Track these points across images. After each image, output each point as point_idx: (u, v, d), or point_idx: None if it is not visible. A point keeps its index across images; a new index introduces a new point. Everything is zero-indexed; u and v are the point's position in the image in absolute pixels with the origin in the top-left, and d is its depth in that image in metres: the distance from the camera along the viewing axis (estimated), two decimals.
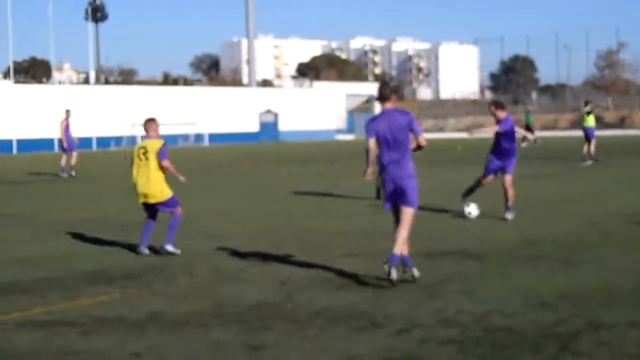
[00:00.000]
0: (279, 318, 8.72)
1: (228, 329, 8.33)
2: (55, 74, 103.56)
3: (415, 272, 10.31)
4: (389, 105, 10.48)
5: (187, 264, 12.03)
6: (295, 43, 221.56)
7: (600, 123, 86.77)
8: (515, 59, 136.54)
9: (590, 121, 33.84)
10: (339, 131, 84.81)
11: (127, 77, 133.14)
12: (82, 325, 8.57)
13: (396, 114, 10.41)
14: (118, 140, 67.22)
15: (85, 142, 65.15)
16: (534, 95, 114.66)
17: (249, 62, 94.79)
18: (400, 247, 10.16)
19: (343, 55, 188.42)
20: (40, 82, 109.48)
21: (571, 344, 7.49)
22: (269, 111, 78.84)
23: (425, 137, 10.85)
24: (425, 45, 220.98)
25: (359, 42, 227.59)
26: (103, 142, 67.10)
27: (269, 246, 13.55)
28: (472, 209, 16.41)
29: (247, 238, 14.54)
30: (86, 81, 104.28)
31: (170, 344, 7.80)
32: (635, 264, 11.42)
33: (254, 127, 77.46)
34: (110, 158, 49.78)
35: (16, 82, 78.89)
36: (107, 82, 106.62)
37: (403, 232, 10.26)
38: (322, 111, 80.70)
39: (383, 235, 13.00)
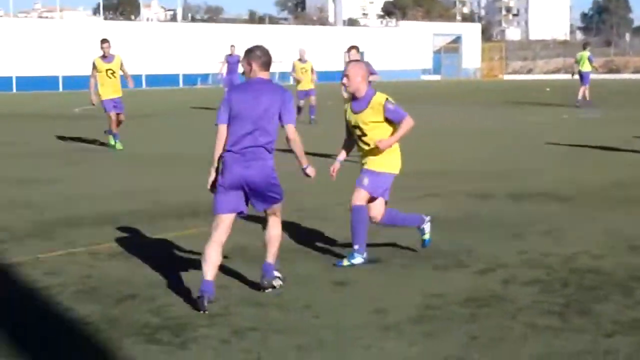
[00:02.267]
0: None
1: (313, 264, 8.41)
2: (144, 11, 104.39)
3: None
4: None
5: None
6: None
7: None
8: None
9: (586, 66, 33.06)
10: (425, 71, 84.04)
11: (213, 14, 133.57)
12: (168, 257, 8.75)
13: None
14: (204, 77, 67.51)
15: (172, 78, 65.83)
16: (627, 36, 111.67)
17: (335, 0, 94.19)
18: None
19: None
20: (128, 19, 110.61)
21: None
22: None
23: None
24: None
25: None
26: (189, 79, 67.54)
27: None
28: None
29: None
30: (173, 18, 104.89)
31: (255, 275, 7.90)
32: None
33: (339, 66, 77.16)
34: (197, 95, 50.06)
35: (105, 18, 79.89)
36: (193, 19, 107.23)
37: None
38: (408, 51, 79.91)
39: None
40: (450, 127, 25.19)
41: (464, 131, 23.57)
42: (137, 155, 18.41)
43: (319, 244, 9.26)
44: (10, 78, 55.14)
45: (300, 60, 27.24)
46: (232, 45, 33.88)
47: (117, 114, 19.24)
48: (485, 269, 8.13)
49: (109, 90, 19.03)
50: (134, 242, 9.48)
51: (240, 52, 9.88)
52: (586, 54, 33.02)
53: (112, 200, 12.38)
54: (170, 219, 10.91)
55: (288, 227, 9.96)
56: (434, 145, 19.47)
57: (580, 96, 32.58)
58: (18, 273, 8.20)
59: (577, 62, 33.34)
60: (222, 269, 7.84)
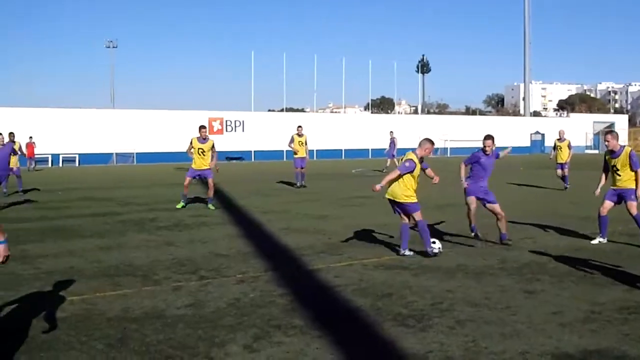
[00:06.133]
0: (544, 273, 8.37)
1: (510, 278, 8.14)
2: (397, 107, 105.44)
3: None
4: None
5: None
6: (557, 86, 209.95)
7: None
8: None
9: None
10: (588, 147, 79.34)
11: (441, 109, 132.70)
12: (414, 269, 8.75)
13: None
14: (435, 151, 66.96)
15: (402, 152, 65.93)
16: None
17: (524, 99, 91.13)
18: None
19: (592, 95, 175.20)
20: (386, 112, 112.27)
21: None
22: (537, 132, 75.44)
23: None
24: None
25: (603, 85, 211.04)
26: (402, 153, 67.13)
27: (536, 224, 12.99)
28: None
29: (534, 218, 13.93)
30: (415, 112, 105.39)
31: (471, 285, 7.76)
32: None
33: (526, 143, 74.41)
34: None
35: (372, 112, 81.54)
36: (428, 112, 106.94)
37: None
38: (577, 133, 75.59)
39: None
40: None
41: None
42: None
43: (514, 265, 8.93)
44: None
45: None
46: (391, 131, 35.77)
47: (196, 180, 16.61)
48: (631, 287, 7.54)
49: (198, 164, 16.04)
50: (393, 257, 9.53)
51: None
52: None
53: (374, 230, 12.28)
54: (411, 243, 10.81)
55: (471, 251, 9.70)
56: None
57: None
58: (316, 276, 8.48)
59: None
60: (449, 274, 7.73)
